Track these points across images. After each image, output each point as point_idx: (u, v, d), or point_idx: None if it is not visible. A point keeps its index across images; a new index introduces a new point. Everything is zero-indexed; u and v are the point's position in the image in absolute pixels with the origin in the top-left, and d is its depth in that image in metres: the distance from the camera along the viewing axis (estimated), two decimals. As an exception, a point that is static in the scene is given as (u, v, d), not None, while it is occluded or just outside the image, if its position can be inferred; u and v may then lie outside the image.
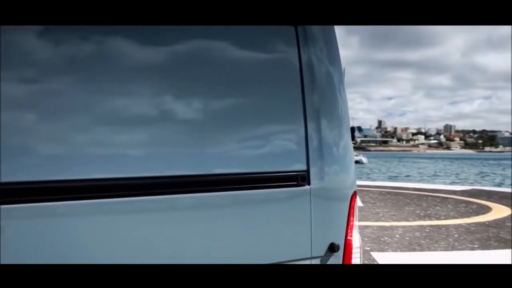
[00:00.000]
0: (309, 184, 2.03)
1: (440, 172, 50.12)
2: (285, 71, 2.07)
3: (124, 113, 1.70)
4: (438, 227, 9.16)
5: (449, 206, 12.44)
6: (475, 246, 7.49)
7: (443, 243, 7.67)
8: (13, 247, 1.49)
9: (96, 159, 1.63)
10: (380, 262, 6.37)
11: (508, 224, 9.56)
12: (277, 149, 2.00)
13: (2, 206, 1.45)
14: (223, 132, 1.89)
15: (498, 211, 11.39)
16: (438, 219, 10.21)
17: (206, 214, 1.84)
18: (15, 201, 1.48)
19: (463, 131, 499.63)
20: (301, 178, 2.01)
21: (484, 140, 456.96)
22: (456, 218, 10.34)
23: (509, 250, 7.17)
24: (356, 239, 2.16)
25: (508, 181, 32.57)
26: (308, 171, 2.03)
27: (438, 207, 12.10)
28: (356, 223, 2.19)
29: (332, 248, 2.06)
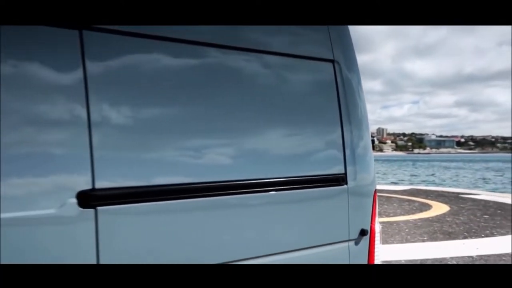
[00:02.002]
0: (346, 184, 2.63)
1: (377, 173, 52.63)
2: (324, 87, 2.61)
3: (192, 131, 2.09)
4: (390, 223, 10.11)
5: (394, 204, 13.55)
6: (425, 238, 8.47)
7: (397, 237, 8.59)
8: (111, 241, 1.83)
9: (174, 167, 2.02)
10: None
11: (448, 219, 10.73)
12: (323, 156, 2.58)
13: (99, 208, 1.82)
14: (283, 144, 2.43)
15: (438, 208, 12.63)
16: (388, 216, 11.20)
17: (273, 208, 2.34)
18: (111, 203, 1.84)
19: (394, 134, 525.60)
20: (341, 180, 2.61)
21: (413, 142, 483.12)
22: (403, 215, 11.39)
23: (454, 241, 8.20)
24: (377, 226, 2.79)
25: (438, 181, 35.27)
26: (345, 173, 2.63)
27: (385, 206, 13.16)
28: (377, 213, 2.82)
29: (363, 232, 2.68)
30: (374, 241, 2.74)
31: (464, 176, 43.00)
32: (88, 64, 1.83)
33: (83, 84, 1.81)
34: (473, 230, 9.26)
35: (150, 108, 1.98)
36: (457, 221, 10.44)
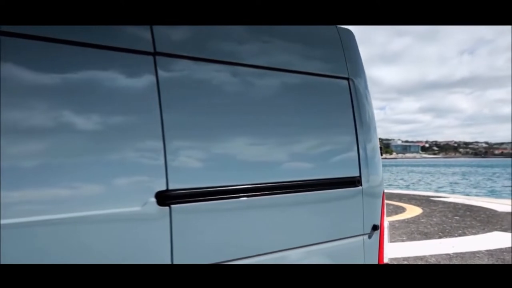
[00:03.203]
0: (361, 185, 3.03)
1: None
2: (341, 102, 3.00)
3: (243, 143, 2.48)
4: (369, 225, 10.60)
5: (370, 207, 14.09)
6: (404, 238, 9.00)
7: (378, 237, 9.08)
8: (183, 233, 2.16)
9: (234, 170, 2.41)
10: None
11: (422, 220, 11.35)
12: (342, 162, 2.97)
13: (173, 206, 2.16)
14: (312, 152, 2.81)
15: (412, 210, 13.28)
16: (366, 218, 11.70)
17: (305, 207, 2.73)
18: (182, 201, 2.19)
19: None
20: (358, 182, 3.00)
21: (381, 147, 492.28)
22: (381, 217, 11.93)
23: (430, 240, 8.77)
24: (386, 222, 3.19)
25: (407, 184, 36.46)
26: (360, 176, 3.03)
27: (362, 209, 13.68)
28: (385, 211, 3.23)
29: (375, 227, 3.07)
30: (383, 235, 3.15)
31: (432, 180, 44.55)
32: (161, 82, 2.16)
33: (158, 104, 2.14)
34: (447, 230, 9.88)
35: (211, 122, 2.33)
36: (431, 222, 11.06)
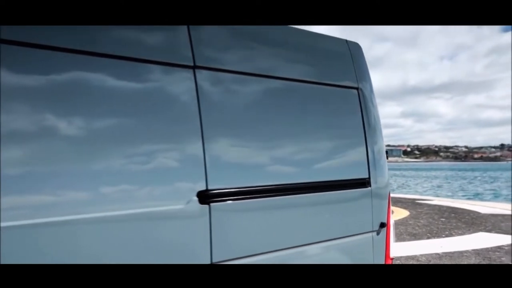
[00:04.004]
0: (370, 186, 3.30)
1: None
2: (352, 110, 3.28)
3: (271, 148, 2.74)
4: (360, 226, 10.93)
5: (359, 210, 14.45)
6: (394, 239, 9.32)
7: (369, 238, 9.40)
8: (220, 228, 2.40)
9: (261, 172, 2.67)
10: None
11: (410, 222, 11.73)
12: (354, 164, 3.24)
13: (212, 204, 2.40)
14: (329, 156, 3.08)
15: (399, 213, 13.66)
16: (356, 220, 12.04)
17: (320, 206, 2.99)
18: (220, 200, 2.43)
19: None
20: (367, 183, 3.28)
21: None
22: (370, 219, 12.28)
23: (419, 241, 9.12)
24: (391, 220, 3.47)
25: (392, 188, 37.00)
26: (369, 177, 3.30)
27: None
28: (390, 210, 3.50)
29: (382, 225, 3.35)
30: (389, 232, 3.43)
31: (416, 184, 45.40)
32: (200, 93, 2.41)
33: (198, 114, 2.38)
34: (434, 231, 10.26)
35: (243, 130, 2.61)
36: (418, 223, 11.44)
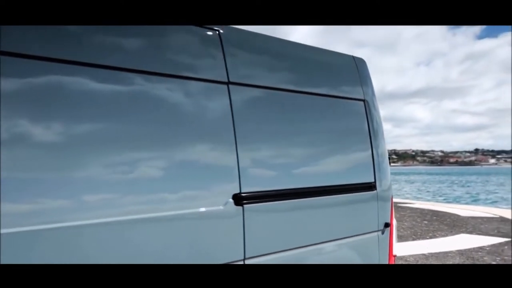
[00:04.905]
0: (376, 189, 3.62)
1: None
2: (359, 120, 3.61)
3: (295, 157, 3.06)
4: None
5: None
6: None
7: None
8: (252, 226, 2.68)
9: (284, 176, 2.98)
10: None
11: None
12: (362, 169, 3.56)
13: (245, 205, 2.70)
14: (341, 162, 3.40)
15: (383, 216, 14.09)
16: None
17: (335, 208, 3.29)
18: (251, 202, 2.72)
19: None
20: (374, 186, 3.60)
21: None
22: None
23: (406, 242, 9.53)
24: (394, 221, 3.79)
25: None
26: (375, 181, 3.62)
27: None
28: (393, 212, 3.83)
29: (386, 225, 3.67)
30: (392, 231, 3.75)
31: (396, 188, 46.27)
32: (234, 106, 2.69)
33: (232, 126, 2.66)
34: (419, 233, 10.70)
35: (270, 141, 2.91)
36: (403, 226, 11.88)
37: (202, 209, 2.49)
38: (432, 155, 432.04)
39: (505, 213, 15.08)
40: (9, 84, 1.95)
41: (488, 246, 9.09)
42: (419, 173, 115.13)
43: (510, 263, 7.67)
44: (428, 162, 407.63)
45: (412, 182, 60.80)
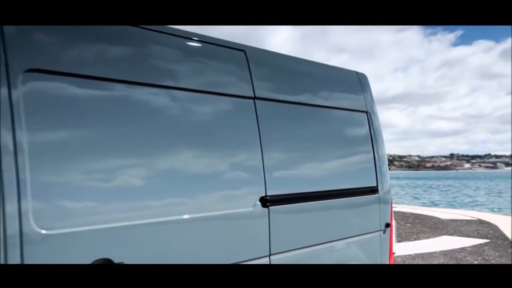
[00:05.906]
0: (378, 193, 3.99)
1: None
2: (362, 129, 3.98)
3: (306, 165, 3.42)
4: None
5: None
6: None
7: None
8: (277, 226, 3.01)
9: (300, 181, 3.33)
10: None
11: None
12: (366, 174, 3.93)
13: (270, 207, 3.03)
14: (350, 168, 3.77)
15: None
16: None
17: (344, 210, 3.64)
18: (276, 204, 3.06)
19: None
20: (376, 190, 3.96)
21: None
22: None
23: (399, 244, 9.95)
24: (394, 222, 4.16)
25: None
26: (377, 185, 3.99)
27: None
28: (393, 213, 4.20)
29: (387, 225, 4.03)
30: (392, 231, 4.12)
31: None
32: (260, 117, 3.02)
33: (258, 137, 2.99)
34: (403, 235, 11.15)
35: (290, 150, 3.25)
36: (388, 229, 12.32)
37: (235, 211, 2.81)
38: (409, 159, 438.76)
39: (483, 215, 15.77)
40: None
41: (470, 247, 9.60)
42: (397, 178, 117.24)
43: (490, 263, 8.15)
44: (405, 166, 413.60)
45: (392, 187, 61.86)
